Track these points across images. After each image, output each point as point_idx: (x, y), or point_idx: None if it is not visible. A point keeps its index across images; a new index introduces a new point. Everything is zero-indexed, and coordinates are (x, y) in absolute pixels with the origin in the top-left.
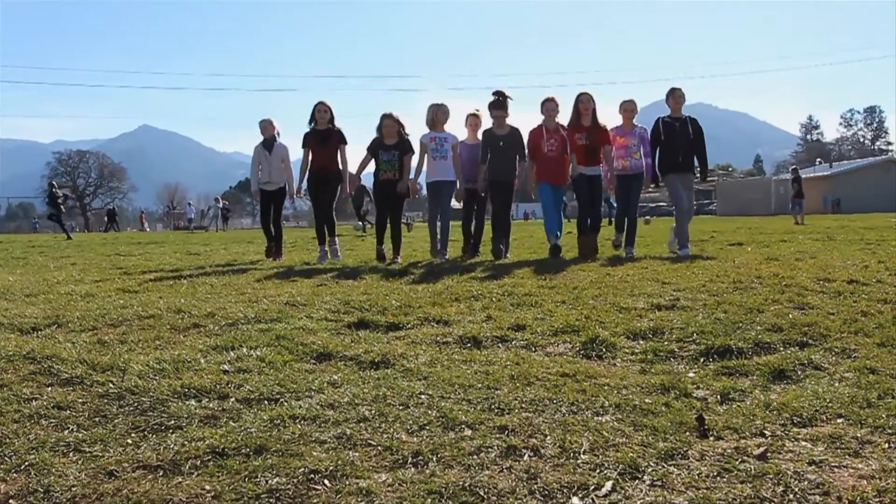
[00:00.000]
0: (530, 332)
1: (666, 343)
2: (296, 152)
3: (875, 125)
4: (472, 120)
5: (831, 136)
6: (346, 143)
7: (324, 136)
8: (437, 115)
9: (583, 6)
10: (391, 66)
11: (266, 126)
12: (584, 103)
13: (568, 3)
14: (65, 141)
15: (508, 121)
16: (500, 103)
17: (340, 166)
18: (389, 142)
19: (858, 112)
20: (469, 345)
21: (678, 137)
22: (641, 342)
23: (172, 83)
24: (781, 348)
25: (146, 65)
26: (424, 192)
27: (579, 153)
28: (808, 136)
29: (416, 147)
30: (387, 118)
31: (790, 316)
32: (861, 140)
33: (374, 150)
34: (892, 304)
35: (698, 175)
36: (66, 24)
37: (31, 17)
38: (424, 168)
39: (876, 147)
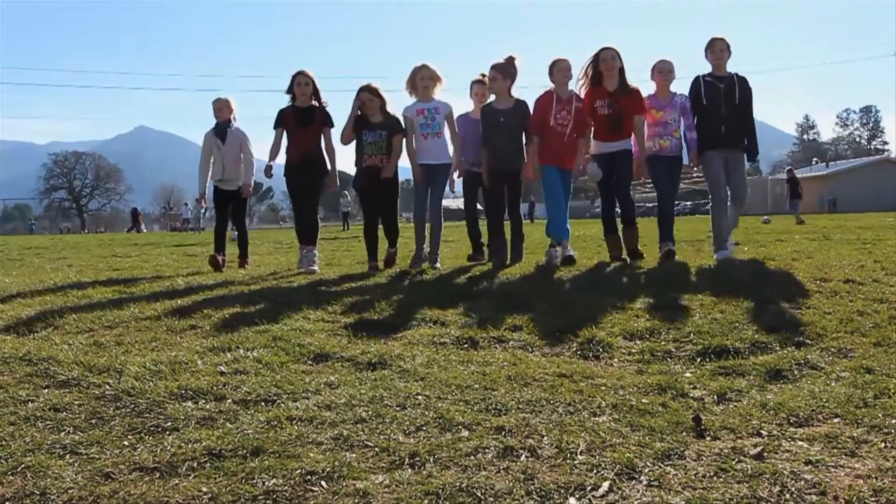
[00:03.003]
0: (527, 332)
1: (663, 343)
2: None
3: (871, 125)
4: (478, 89)
5: (827, 136)
6: (332, 125)
7: (304, 116)
8: (418, 79)
9: (578, 5)
10: (389, 66)
11: (222, 107)
12: (607, 62)
13: (563, 2)
14: (61, 142)
15: (517, 91)
16: (498, 65)
17: (326, 154)
18: (375, 119)
19: (854, 112)
20: (466, 346)
21: (722, 102)
22: (638, 342)
23: (169, 84)
24: (778, 348)
25: (143, 66)
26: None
27: (599, 125)
28: (805, 136)
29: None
30: (364, 91)
31: (786, 316)
32: (857, 140)
33: (358, 127)
34: (888, 303)
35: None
36: (62, 24)
37: (27, 18)
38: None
39: (872, 147)
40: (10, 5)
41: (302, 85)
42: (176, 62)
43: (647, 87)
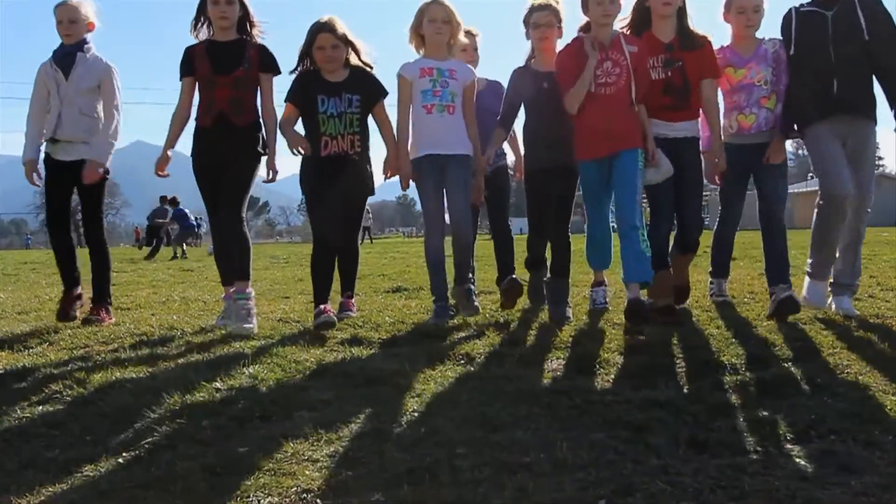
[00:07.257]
0: (524, 347)
1: (659, 358)
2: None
3: None
4: (465, 44)
5: None
6: (275, 70)
7: (225, 55)
8: (426, 23)
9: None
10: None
11: (70, 14)
12: None
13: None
14: None
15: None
16: (544, 5)
17: (262, 118)
18: (335, 77)
19: None
20: (462, 361)
21: (830, 43)
22: (635, 358)
23: (165, 99)
24: (774, 363)
25: (139, 81)
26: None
27: (654, 94)
28: (800, 152)
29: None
30: (322, 31)
31: (783, 331)
32: None
33: (302, 93)
34: (884, 318)
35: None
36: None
37: (22, 30)
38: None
39: None
40: (9, 14)
41: (221, 4)
42: (172, 77)
43: (719, 37)
